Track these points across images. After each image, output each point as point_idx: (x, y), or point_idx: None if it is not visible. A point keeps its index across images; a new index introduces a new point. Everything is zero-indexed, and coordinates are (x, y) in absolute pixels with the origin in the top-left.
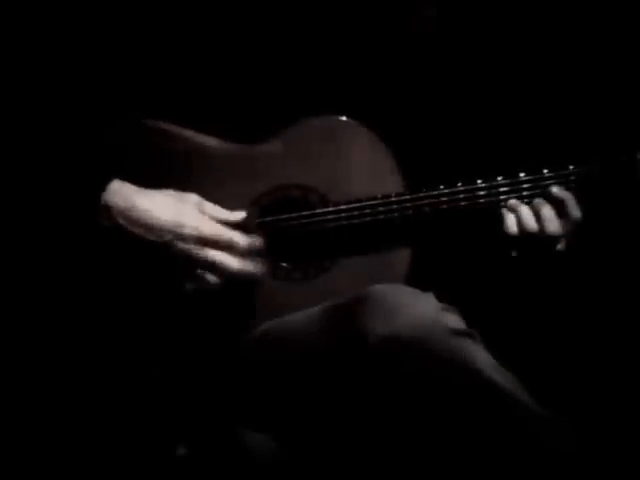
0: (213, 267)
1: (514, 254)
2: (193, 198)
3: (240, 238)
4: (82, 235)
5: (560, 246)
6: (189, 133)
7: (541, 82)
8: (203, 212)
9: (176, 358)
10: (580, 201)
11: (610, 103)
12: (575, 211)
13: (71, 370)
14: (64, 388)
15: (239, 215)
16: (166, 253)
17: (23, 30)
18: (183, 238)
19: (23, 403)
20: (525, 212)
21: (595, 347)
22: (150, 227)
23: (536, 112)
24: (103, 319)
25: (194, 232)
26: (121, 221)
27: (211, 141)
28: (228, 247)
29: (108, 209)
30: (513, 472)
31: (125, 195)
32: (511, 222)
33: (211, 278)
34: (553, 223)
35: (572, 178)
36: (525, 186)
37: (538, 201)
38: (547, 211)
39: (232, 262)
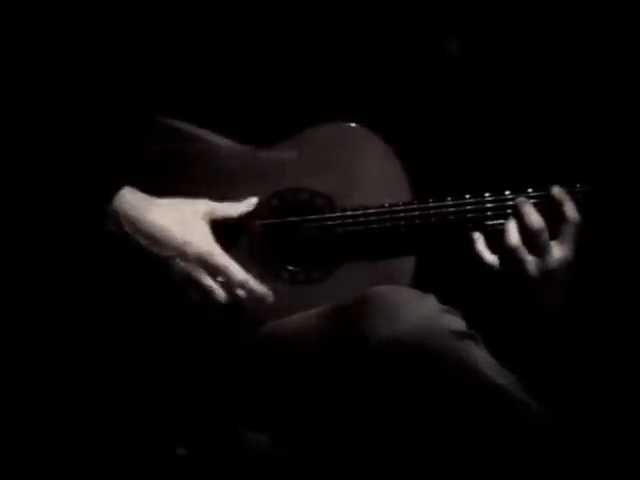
0: (204, 293)
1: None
2: (202, 207)
3: (241, 275)
4: (88, 238)
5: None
6: (201, 132)
7: (551, 100)
8: (214, 218)
9: (177, 358)
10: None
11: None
12: (572, 212)
13: (72, 369)
14: (65, 388)
15: (252, 202)
16: (165, 267)
17: (27, 29)
18: (186, 258)
19: (25, 404)
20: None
21: (595, 347)
22: (156, 241)
23: (545, 128)
24: (104, 319)
25: (198, 255)
26: (128, 229)
27: (223, 141)
28: (225, 279)
29: (117, 215)
30: (514, 472)
31: (135, 204)
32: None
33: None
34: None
35: (579, 196)
36: (534, 201)
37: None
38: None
39: (221, 296)
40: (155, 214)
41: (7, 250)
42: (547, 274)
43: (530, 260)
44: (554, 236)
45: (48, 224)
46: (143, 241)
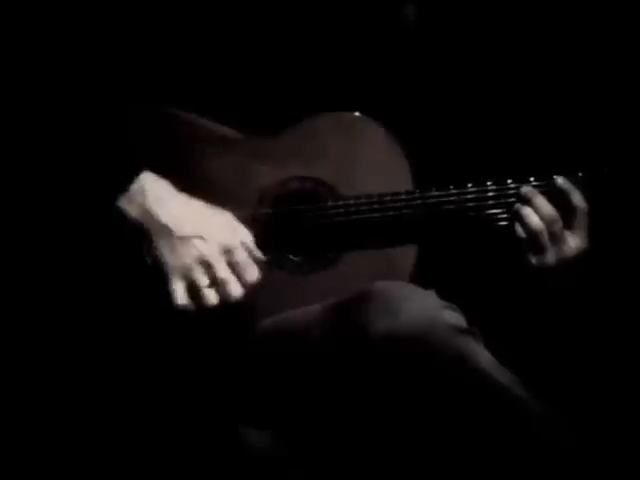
0: (216, 284)
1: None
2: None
3: (254, 272)
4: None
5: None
6: (205, 122)
7: (545, 84)
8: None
9: (179, 354)
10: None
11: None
12: (579, 201)
13: (74, 367)
14: (67, 386)
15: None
16: (178, 247)
17: (30, 25)
18: (208, 240)
19: (26, 404)
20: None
21: (595, 345)
22: (182, 218)
23: (544, 115)
24: (106, 316)
25: (225, 243)
26: (152, 205)
27: (227, 131)
28: (239, 272)
29: (143, 191)
30: (513, 469)
31: (166, 186)
32: (517, 226)
33: (210, 297)
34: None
35: (582, 185)
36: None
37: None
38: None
39: (235, 290)
40: (185, 201)
41: (17, 235)
42: (562, 262)
43: (549, 247)
44: (566, 226)
45: (60, 210)
46: (165, 218)
